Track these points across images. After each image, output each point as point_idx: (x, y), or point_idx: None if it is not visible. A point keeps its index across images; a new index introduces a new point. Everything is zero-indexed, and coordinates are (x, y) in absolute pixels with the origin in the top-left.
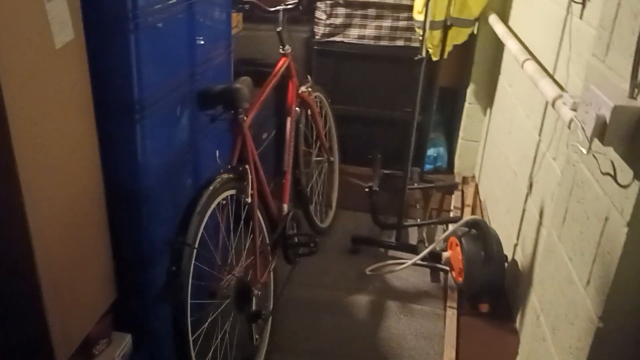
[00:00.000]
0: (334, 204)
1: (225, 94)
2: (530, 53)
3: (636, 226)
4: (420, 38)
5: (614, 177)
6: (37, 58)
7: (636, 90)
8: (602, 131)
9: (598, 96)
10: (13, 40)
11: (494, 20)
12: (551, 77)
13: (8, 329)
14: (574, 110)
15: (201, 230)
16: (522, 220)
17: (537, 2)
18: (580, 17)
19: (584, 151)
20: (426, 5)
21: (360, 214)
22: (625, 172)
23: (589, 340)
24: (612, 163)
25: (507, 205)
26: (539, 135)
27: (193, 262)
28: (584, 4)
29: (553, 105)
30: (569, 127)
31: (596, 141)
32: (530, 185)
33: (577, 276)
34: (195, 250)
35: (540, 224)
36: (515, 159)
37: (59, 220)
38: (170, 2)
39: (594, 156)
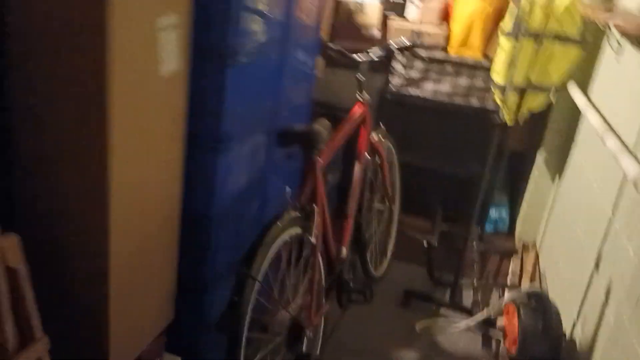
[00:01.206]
0: (389, 253)
1: (305, 134)
2: (610, 127)
3: None
4: (498, 100)
5: None
6: (143, 82)
7: None
8: None
9: None
10: (123, 62)
11: (574, 89)
12: (632, 154)
13: (69, 337)
14: None
15: (266, 264)
16: (585, 297)
17: (624, 77)
18: None
19: None
20: (509, 69)
21: (414, 267)
22: None
23: None
24: None
25: (570, 278)
26: (612, 212)
27: (255, 295)
28: None
29: (635, 185)
30: None
31: None
32: (598, 262)
33: None
34: (257, 284)
35: (605, 304)
36: (584, 232)
37: (136, 237)
38: (266, 44)
39: None
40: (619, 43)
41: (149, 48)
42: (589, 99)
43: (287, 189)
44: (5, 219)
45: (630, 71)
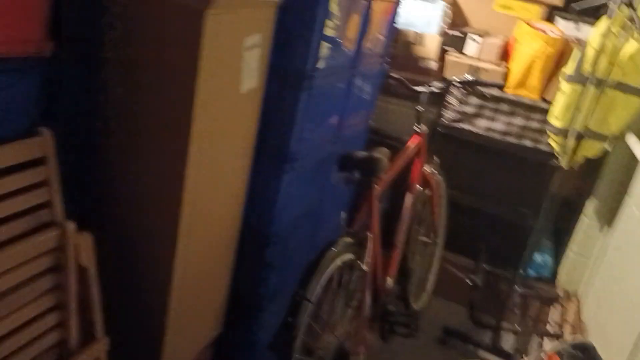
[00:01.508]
0: (429, 288)
1: (366, 161)
2: None
3: None
4: (554, 144)
5: None
6: (226, 97)
7: None
8: None
9: None
10: (212, 77)
11: (633, 141)
12: None
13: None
14: None
15: (320, 288)
16: (633, 355)
17: None
18: None
19: None
20: (569, 114)
21: (453, 305)
22: None
23: None
24: None
25: (617, 333)
26: None
27: (308, 318)
28: None
29: None
30: None
31: None
32: None
33: None
34: (312, 307)
35: None
36: (635, 288)
37: (199, 248)
38: (337, 71)
39: None
40: None
41: (235, 66)
42: None
43: (343, 214)
44: (81, 218)
45: None
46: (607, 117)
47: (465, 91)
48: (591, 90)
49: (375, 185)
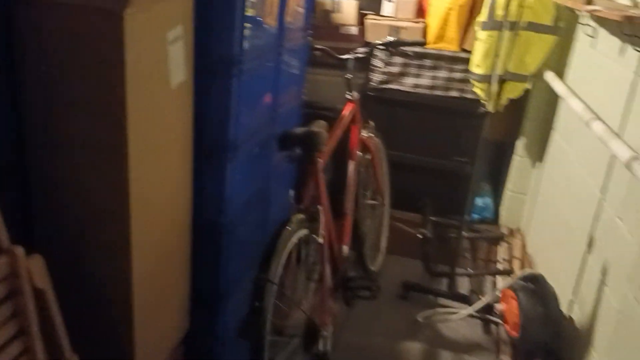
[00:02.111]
0: (383, 248)
1: (307, 137)
2: (593, 112)
3: None
4: (478, 91)
5: None
6: (157, 96)
7: None
8: None
9: None
10: (140, 78)
11: (551, 77)
12: (620, 138)
13: (96, 353)
14: None
15: (280, 268)
16: (580, 277)
17: (598, 64)
18: None
19: None
20: (488, 60)
21: (407, 260)
22: None
23: None
24: None
25: (561, 261)
26: (602, 193)
27: (274, 299)
28: None
29: (629, 167)
30: None
31: None
32: (590, 244)
33: None
34: (275, 287)
35: (603, 283)
36: (572, 215)
37: (155, 249)
38: (263, 51)
39: None
40: (593, 30)
41: (162, 62)
42: (567, 86)
43: (291, 192)
44: (25, 239)
45: (607, 57)
46: (524, 57)
47: (388, 52)
48: (506, 34)
49: (318, 159)
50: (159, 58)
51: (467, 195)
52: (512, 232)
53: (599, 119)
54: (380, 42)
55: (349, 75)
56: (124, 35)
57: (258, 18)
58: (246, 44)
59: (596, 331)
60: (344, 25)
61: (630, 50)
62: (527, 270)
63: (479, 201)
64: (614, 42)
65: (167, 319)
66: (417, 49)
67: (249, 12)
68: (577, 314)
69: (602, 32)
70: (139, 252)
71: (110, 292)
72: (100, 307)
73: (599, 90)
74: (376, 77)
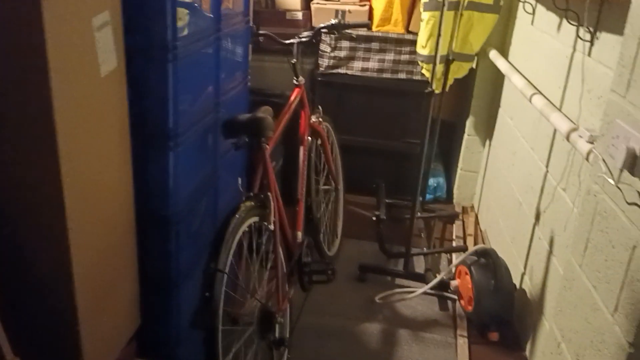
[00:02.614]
0: (339, 232)
1: (251, 123)
2: (534, 88)
3: None
4: (425, 72)
5: None
6: (85, 85)
7: None
8: (632, 163)
9: (626, 130)
10: (65, 67)
11: (494, 55)
12: (559, 111)
13: (42, 354)
14: (591, 143)
15: (230, 256)
16: (529, 249)
17: (538, 40)
18: (589, 55)
19: (612, 182)
20: (437, 40)
21: (364, 242)
22: None
23: None
24: (639, 193)
25: (512, 235)
26: (546, 166)
27: (225, 288)
28: (592, 42)
29: (567, 138)
30: (587, 160)
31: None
32: (538, 216)
33: (603, 304)
34: (226, 277)
35: (550, 253)
36: (520, 189)
37: (96, 243)
38: (200, 36)
39: (618, 187)
40: (532, 7)
41: (89, 49)
42: (510, 64)
43: (239, 179)
44: None
45: (545, 33)
46: (467, 37)
47: (334, 36)
48: (449, 14)
49: (265, 145)
50: (85, 44)
51: (419, 175)
52: (466, 210)
53: (540, 93)
54: (324, 25)
55: (293, 60)
56: (43, 20)
57: (191, 2)
58: (180, 29)
59: (546, 299)
60: (289, 10)
61: (565, 24)
62: (479, 246)
63: (432, 181)
64: (551, 17)
65: (116, 314)
66: (363, 32)
67: None
68: (528, 285)
69: (540, 9)
70: (77, 244)
71: (52, 291)
72: (42, 303)
73: (539, 65)
74: (324, 62)
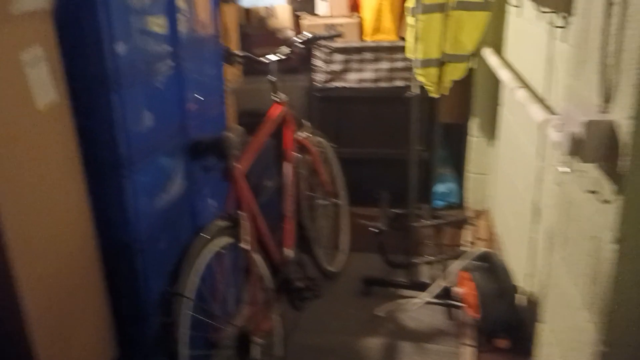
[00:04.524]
0: (344, 247)
1: (215, 143)
2: (523, 81)
3: (625, 243)
4: (419, 77)
5: (599, 194)
6: (19, 120)
7: (607, 104)
8: (578, 148)
9: (573, 113)
10: None
11: (487, 52)
12: (543, 102)
13: None
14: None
15: (196, 279)
16: (533, 249)
17: (523, 30)
18: (564, 41)
19: (566, 170)
20: (415, 44)
21: (372, 255)
22: (608, 188)
23: None
24: (596, 180)
25: (519, 235)
26: (542, 161)
27: (189, 312)
28: (565, 27)
29: (543, 129)
30: (558, 149)
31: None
32: (538, 213)
33: (581, 300)
34: (189, 301)
35: (552, 252)
36: (523, 187)
37: (53, 282)
38: (154, 61)
39: (580, 175)
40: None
41: (19, 83)
42: (504, 60)
43: (210, 200)
44: None
45: (529, 23)
46: (459, 37)
47: (328, 51)
48: (436, 16)
49: (236, 164)
50: (14, 80)
51: (413, 183)
52: (479, 214)
53: (527, 86)
54: (299, 40)
55: (271, 78)
56: None
57: (140, 28)
58: (122, 57)
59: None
60: (280, 29)
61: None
62: (480, 250)
63: (442, 187)
64: (533, 6)
65: (85, 349)
66: (355, 43)
67: (124, 24)
68: (535, 286)
69: (525, 1)
70: (28, 286)
71: (5, 332)
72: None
73: (527, 57)
74: (319, 77)
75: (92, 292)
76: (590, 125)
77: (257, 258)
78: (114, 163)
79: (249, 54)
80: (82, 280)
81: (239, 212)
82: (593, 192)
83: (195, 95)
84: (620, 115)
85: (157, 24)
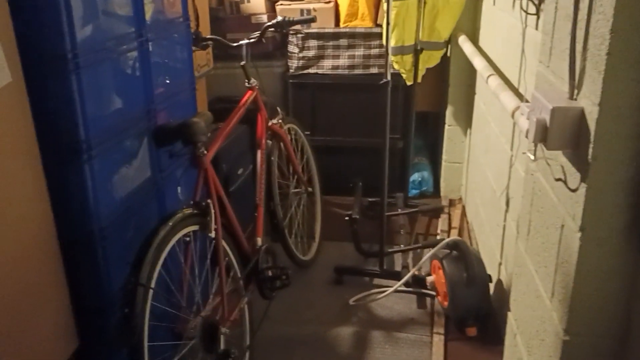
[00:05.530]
0: (317, 236)
1: (181, 128)
2: (496, 69)
3: (588, 231)
4: (394, 64)
5: (565, 182)
6: None
7: (575, 91)
8: (544, 135)
9: (540, 100)
10: None
11: (463, 40)
12: (516, 90)
13: None
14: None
15: (157, 268)
16: (503, 238)
17: (497, 18)
18: (536, 28)
19: (532, 157)
20: (387, 30)
21: (345, 244)
22: (574, 176)
23: (557, 356)
24: (562, 168)
25: (490, 224)
26: (511, 149)
27: (149, 302)
28: (538, 14)
29: (512, 116)
30: (526, 137)
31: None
32: (508, 202)
33: (543, 289)
34: (150, 291)
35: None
36: (493, 176)
37: (7, 273)
38: (116, 42)
39: (547, 163)
40: None
41: None
42: (478, 48)
43: (179, 188)
44: None
45: (503, 11)
46: (434, 25)
47: (301, 36)
48: (412, 3)
49: (203, 151)
50: None
51: (385, 171)
52: (453, 203)
53: (500, 74)
54: (270, 24)
55: (243, 63)
56: None
57: (99, 7)
58: (82, 37)
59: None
60: (254, 14)
61: None
62: (450, 238)
63: (417, 176)
64: None
65: (44, 341)
66: (330, 29)
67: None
68: (504, 275)
69: None
70: None
71: None
72: None
73: (501, 45)
74: (294, 64)
75: (51, 283)
76: (555, 112)
77: (225, 246)
78: (72, 148)
79: (219, 38)
80: (40, 272)
81: (206, 200)
82: (559, 179)
83: (163, 79)
84: (586, 102)
85: (121, 3)
